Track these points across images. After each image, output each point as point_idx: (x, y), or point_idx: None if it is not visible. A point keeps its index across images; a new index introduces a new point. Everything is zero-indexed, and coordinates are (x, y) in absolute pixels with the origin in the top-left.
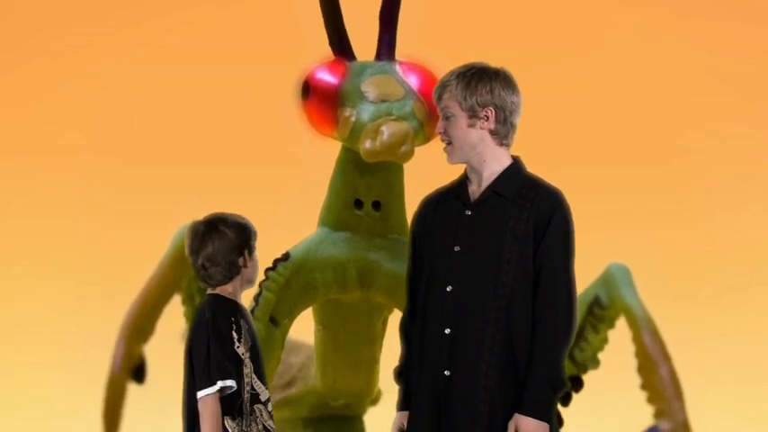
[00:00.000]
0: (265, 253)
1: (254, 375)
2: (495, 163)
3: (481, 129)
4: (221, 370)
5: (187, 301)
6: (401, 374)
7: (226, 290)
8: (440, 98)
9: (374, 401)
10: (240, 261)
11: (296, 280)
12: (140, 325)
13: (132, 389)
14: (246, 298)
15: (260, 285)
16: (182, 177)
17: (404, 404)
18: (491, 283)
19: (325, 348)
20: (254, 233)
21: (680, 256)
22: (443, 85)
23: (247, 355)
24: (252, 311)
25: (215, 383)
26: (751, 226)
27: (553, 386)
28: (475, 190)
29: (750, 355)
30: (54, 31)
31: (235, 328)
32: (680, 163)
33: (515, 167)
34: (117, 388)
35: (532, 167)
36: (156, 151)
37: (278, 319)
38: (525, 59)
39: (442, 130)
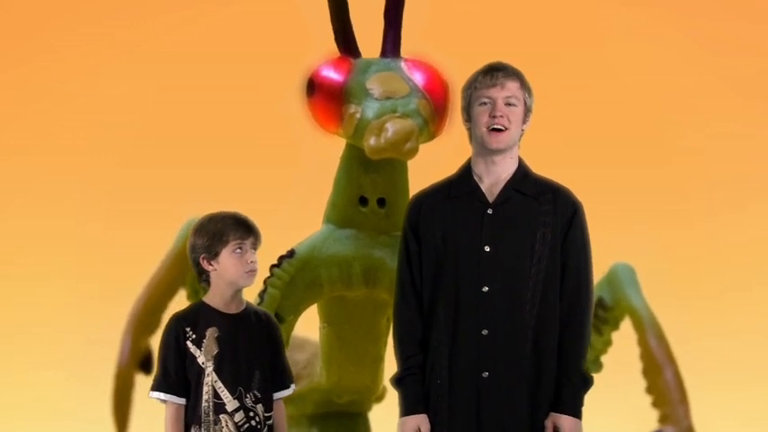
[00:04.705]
0: (270, 250)
1: (218, 384)
2: (514, 163)
3: (522, 129)
4: (155, 381)
5: (192, 296)
6: (405, 379)
7: (209, 297)
8: (506, 84)
9: (379, 398)
10: (204, 264)
11: (301, 277)
12: (145, 320)
13: (140, 379)
14: (251, 295)
15: (265, 282)
16: (182, 177)
17: (420, 407)
18: (528, 283)
19: (330, 345)
20: (225, 232)
21: (680, 256)
22: (511, 75)
23: (210, 363)
24: None
25: (153, 392)
26: (751, 226)
27: (585, 383)
28: (490, 188)
29: (750, 355)
30: (54, 31)
31: (194, 338)
32: (680, 163)
33: (524, 167)
34: (124, 380)
35: (533, 167)
36: (155, 151)
37: (283, 316)
38: (526, 59)
39: (506, 115)
